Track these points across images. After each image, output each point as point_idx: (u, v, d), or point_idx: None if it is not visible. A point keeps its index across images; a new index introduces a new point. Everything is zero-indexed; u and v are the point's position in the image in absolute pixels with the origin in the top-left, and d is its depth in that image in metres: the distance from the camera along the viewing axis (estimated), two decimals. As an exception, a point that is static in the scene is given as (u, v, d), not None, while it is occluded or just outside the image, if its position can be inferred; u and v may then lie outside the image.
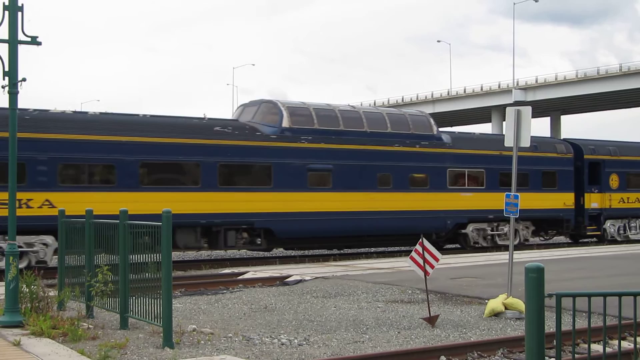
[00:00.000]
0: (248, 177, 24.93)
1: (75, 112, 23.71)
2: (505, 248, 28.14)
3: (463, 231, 29.59)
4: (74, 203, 20.81)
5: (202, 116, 26.67)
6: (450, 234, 29.64)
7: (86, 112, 23.83)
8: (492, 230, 30.23)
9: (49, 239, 21.47)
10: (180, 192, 23.46)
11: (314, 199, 25.71)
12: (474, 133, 33.87)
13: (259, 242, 25.27)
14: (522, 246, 30.56)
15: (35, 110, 22.45)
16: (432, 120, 29.60)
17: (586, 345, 9.23)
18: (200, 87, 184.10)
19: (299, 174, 25.49)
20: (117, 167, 22.63)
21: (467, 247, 29.69)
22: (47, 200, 21.43)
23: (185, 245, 23.96)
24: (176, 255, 24.97)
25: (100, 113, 24.06)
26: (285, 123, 25.52)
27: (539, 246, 32.41)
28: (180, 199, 23.05)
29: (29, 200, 21.21)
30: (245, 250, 28.32)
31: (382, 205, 27.18)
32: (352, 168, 26.51)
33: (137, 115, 24.46)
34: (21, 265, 21.29)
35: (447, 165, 28.98)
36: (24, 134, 20.61)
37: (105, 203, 21.11)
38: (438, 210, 28.46)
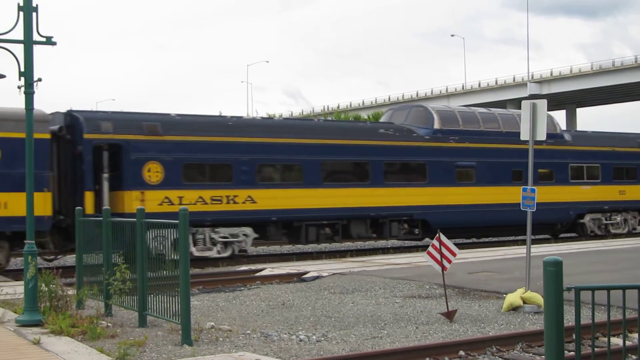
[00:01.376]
0: (407, 173, 27.51)
1: (263, 118, 26.12)
2: (617, 236, 31.00)
3: (581, 221, 31.86)
4: (269, 199, 24.20)
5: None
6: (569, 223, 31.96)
7: (272, 118, 26.65)
8: (606, 220, 32.55)
9: (249, 230, 24.01)
10: (353, 188, 26.05)
11: (461, 192, 28.29)
12: (588, 131, 35.81)
13: (417, 232, 27.57)
14: (630, 234, 32.81)
15: (232, 117, 25.47)
16: (555, 120, 31.82)
17: (606, 339, 9.18)
18: (213, 84, 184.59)
19: (448, 171, 28.07)
20: (304, 167, 25.04)
21: (584, 235, 31.79)
22: (249, 196, 23.85)
23: (357, 236, 26.38)
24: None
25: (284, 118, 25.99)
26: (436, 125, 28.08)
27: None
28: (353, 194, 25.84)
29: (235, 196, 23.66)
30: (262, 247, 28.49)
31: (516, 198, 28.74)
32: (491, 165, 29.02)
33: (312, 120, 27.88)
34: (226, 254, 23.66)
35: (569, 161, 31.44)
36: (229, 138, 23.95)
37: (294, 199, 24.47)
38: (562, 202, 30.95)
